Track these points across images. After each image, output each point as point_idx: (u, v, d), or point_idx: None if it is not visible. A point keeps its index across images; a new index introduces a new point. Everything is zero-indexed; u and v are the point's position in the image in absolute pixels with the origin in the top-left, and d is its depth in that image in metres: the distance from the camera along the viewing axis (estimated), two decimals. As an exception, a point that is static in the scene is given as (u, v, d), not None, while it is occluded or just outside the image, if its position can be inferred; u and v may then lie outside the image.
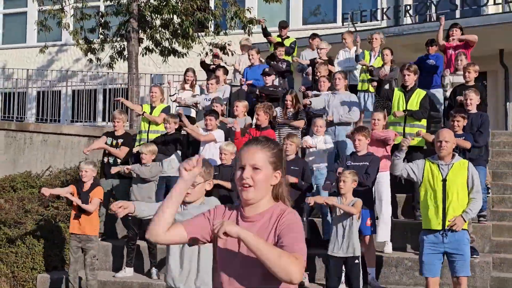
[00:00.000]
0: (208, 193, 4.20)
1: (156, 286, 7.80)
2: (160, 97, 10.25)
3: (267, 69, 10.44)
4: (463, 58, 9.56)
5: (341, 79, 9.33)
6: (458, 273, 6.04)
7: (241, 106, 9.56)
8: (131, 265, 8.25)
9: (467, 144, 7.63)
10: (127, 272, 8.20)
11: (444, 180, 6.09)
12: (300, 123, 9.36)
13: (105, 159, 9.26)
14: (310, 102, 9.07)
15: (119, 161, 9.14)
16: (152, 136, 9.51)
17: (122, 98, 10.08)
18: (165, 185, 9.08)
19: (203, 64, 12.41)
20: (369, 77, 10.63)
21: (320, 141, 8.63)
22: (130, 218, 8.13)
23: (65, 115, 18.39)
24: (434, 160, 6.23)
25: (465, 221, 6.04)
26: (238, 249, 2.64)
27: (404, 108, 8.70)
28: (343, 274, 6.74)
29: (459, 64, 9.54)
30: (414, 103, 8.71)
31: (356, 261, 6.52)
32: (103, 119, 17.15)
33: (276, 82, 10.81)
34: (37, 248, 8.40)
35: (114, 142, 9.21)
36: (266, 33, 12.50)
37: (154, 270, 8.11)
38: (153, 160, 8.44)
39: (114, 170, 8.41)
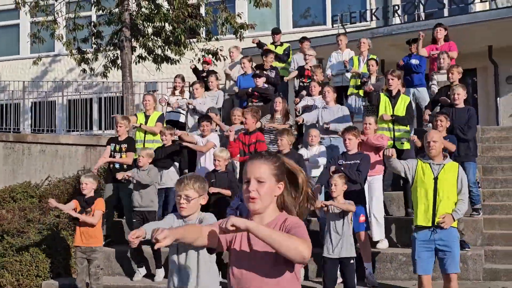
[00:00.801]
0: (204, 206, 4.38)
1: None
2: (154, 105, 10.52)
3: (258, 72, 10.69)
4: (445, 57, 9.87)
5: (330, 93, 9.65)
6: (448, 270, 6.26)
7: (238, 114, 9.84)
8: (142, 265, 8.51)
9: (452, 147, 7.87)
10: (142, 273, 8.47)
11: (435, 179, 6.34)
12: (285, 127, 9.68)
13: (111, 165, 9.47)
14: (303, 119, 9.43)
15: (124, 165, 9.37)
16: (148, 146, 9.73)
17: (118, 115, 10.25)
18: (164, 196, 9.32)
19: (195, 70, 12.69)
20: (359, 83, 10.87)
21: (315, 152, 8.86)
22: (134, 220, 8.49)
23: (61, 125, 18.63)
24: (425, 159, 6.49)
25: (454, 220, 6.31)
26: (249, 249, 2.89)
27: (391, 113, 9.03)
28: (339, 274, 7.00)
29: (441, 62, 9.82)
30: (401, 109, 9.07)
31: (351, 261, 6.75)
32: (99, 128, 17.36)
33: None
34: (41, 256, 8.62)
35: (118, 147, 9.43)
36: (261, 46, 12.72)
37: (159, 271, 8.34)
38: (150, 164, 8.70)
39: (119, 176, 8.63)
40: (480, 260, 7.76)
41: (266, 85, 10.91)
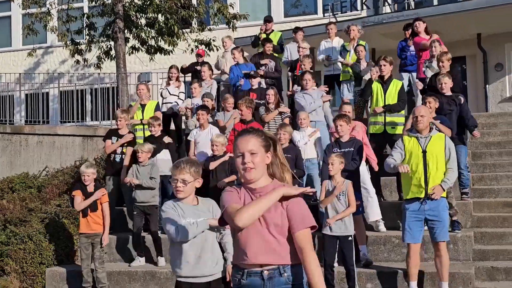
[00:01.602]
0: (199, 189, 4.63)
1: (160, 274, 8.31)
2: (148, 94, 10.76)
3: (252, 72, 10.91)
4: (437, 45, 10.13)
5: (310, 81, 10.02)
6: (438, 238, 6.64)
7: (231, 102, 10.12)
8: (142, 255, 8.76)
9: (448, 132, 8.07)
10: (141, 261, 8.71)
11: (424, 152, 6.71)
12: (285, 109, 10.09)
13: (111, 156, 9.67)
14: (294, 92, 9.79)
15: (123, 158, 9.54)
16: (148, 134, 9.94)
17: (118, 111, 10.25)
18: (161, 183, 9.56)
19: (183, 70, 12.92)
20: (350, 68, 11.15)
21: (307, 134, 9.09)
22: (135, 213, 8.68)
23: (55, 116, 18.80)
24: (412, 133, 6.86)
25: (444, 190, 6.64)
26: (259, 225, 3.25)
27: (383, 100, 9.33)
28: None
29: (433, 50, 10.11)
30: (392, 93, 9.35)
31: (350, 238, 7.06)
32: (93, 119, 17.52)
33: (263, 84, 11.33)
34: (44, 244, 8.87)
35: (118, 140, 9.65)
36: (255, 43, 12.97)
37: (161, 259, 8.61)
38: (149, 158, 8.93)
39: (126, 180, 8.74)
40: (469, 242, 8.06)
41: (261, 84, 11.14)
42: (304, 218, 3.23)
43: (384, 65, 9.36)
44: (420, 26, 11.06)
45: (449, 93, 8.86)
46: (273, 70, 11.79)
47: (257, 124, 9.49)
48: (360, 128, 8.80)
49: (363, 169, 8.49)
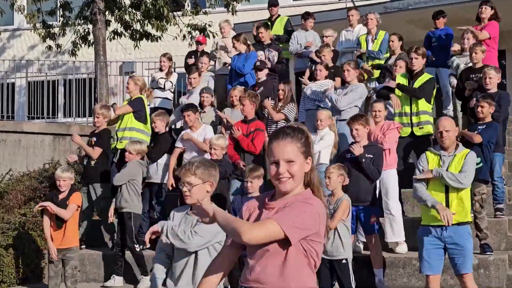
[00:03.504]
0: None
1: (141, 297, 8.46)
2: (135, 89, 10.51)
3: (258, 63, 11.01)
4: (470, 37, 10.17)
5: (322, 71, 10.08)
6: (460, 270, 6.66)
7: (236, 94, 10.21)
8: (120, 274, 8.91)
9: (478, 139, 8.18)
10: (116, 282, 8.84)
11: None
12: (280, 116, 10.06)
13: (85, 161, 9.86)
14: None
15: (92, 162, 9.70)
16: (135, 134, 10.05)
17: (97, 105, 10.49)
18: (149, 192, 9.73)
19: (187, 65, 12.98)
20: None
21: (324, 136, 9.14)
22: (118, 219, 8.91)
23: (21, 110, 18.88)
24: (436, 150, 6.89)
25: (434, 175, 6.63)
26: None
27: (408, 98, 9.32)
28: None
29: (465, 43, 10.18)
30: (417, 86, 9.36)
31: (344, 261, 7.15)
32: (65, 115, 17.59)
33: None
34: (6, 259, 8.96)
35: (88, 140, 9.82)
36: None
37: (144, 279, 8.72)
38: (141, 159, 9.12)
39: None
40: (503, 266, 8.11)
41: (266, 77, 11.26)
42: (288, 219, 3.20)
43: (416, 58, 9.37)
44: (485, 12, 10.82)
45: (494, 89, 8.90)
46: (274, 62, 11.86)
47: (261, 123, 9.61)
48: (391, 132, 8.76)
49: (389, 178, 8.59)
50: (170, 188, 9.50)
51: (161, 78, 12.16)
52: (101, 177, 9.63)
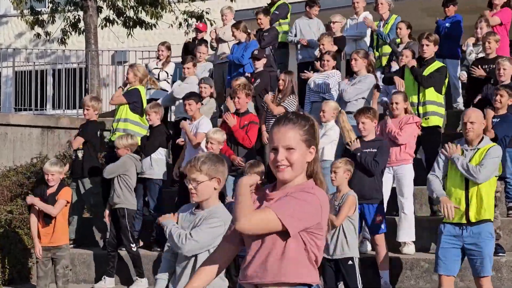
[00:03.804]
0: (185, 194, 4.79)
1: (133, 299, 8.33)
2: (134, 80, 10.20)
3: (256, 52, 10.86)
4: (484, 26, 10.07)
5: (330, 61, 9.91)
6: (479, 273, 6.56)
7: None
8: (112, 275, 8.77)
9: (490, 134, 7.91)
10: (107, 283, 8.71)
11: None
12: (280, 110, 9.80)
13: (73, 155, 9.81)
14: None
15: (80, 155, 9.61)
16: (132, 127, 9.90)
17: (86, 97, 10.38)
18: (143, 188, 9.58)
19: (186, 46, 12.84)
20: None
21: (328, 131, 9.02)
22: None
23: (8, 102, 18.75)
24: (460, 144, 6.72)
25: (450, 156, 6.48)
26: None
27: (416, 87, 9.21)
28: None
29: (478, 32, 10.06)
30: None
31: (350, 262, 7.06)
32: (54, 106, 17.48)
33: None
34: (-9, 259, 8.87)
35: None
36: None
37: (140, 281, 8.60)
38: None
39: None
40: (517, 268, 8.04)
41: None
42: (288, 208, 3.14)
43: (427, 45, 9.28)
44: None
45: (508, 81, 8.77)
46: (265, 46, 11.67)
47: (254, 116, 9.53)
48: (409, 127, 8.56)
49: (404, 173, 8.45)
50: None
51: (155, 68, 12.01)
52: (89, 172, 9.55)
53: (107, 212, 8.85)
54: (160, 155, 9.60)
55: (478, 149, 6.58)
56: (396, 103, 8.64)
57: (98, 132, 10.01)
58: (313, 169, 3.32)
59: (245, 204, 3.13)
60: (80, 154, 9.65)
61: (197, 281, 3.51)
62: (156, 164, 9.47)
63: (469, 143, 6.63)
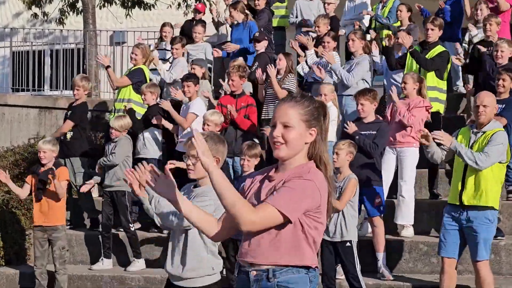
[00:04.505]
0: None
1: (131, 280, 8.41)
2: (142, 60, 10.33)
3: (257, 34, 10.85)
4: (483, 7, 10.09)
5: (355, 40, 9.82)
6: (472, 256, 6.66)
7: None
8: (109, 256, 8.85)
9: (503, 121, 7.82)
10: (105, 264, 8.79)
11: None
12: (283, 93, 9.84)
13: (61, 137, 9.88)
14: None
15: (68, 136, 9.77)
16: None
17: (77, 77, 10.40)
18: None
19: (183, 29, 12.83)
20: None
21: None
22: (103, 200, 8.89)
23: (5, 82, 18.75)
24: (472, 128, 6.72)
25: (450, 146, 6.47)
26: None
27: (417, 71, 9.20)
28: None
29: (478, 14, 10.07)
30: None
31: (348, 244, 7.12)
32: (52, 87, 17.48)
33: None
34: (-13, 240, 8.95)
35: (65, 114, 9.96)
36: None
37: (137, 262, 8.68)
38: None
39: (83, 189, 8.89)
40: (515, 251, 8.10)
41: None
42: (286, 198, 3.19)
43: (432, 29, 9.28)
44: None
45: (505, 62, 8.77)
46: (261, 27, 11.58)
47: (250, 98, 9.59)
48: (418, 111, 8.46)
49: (408, 156, 8.47)
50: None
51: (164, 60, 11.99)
52: (78, 152, 9.71)
53: (88, 187, 8.87)
54: (153, 135, 9.64)
55: (484, 132, 6.60)
56: (405, 83, 8.59)
57: (88, 114, 10.09)
58: (315, 151, 3.35)
59: (239, 203, 3.16)
60: (69, 135, 9.77)
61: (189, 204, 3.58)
62: (150, 144, 9.53)
63: (479, 126, 6.64)
